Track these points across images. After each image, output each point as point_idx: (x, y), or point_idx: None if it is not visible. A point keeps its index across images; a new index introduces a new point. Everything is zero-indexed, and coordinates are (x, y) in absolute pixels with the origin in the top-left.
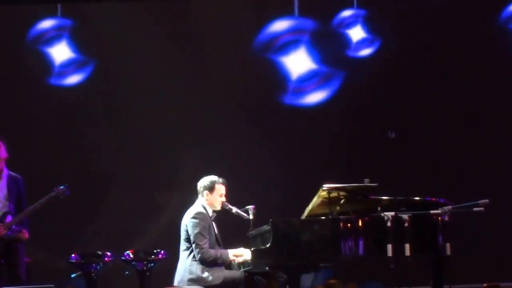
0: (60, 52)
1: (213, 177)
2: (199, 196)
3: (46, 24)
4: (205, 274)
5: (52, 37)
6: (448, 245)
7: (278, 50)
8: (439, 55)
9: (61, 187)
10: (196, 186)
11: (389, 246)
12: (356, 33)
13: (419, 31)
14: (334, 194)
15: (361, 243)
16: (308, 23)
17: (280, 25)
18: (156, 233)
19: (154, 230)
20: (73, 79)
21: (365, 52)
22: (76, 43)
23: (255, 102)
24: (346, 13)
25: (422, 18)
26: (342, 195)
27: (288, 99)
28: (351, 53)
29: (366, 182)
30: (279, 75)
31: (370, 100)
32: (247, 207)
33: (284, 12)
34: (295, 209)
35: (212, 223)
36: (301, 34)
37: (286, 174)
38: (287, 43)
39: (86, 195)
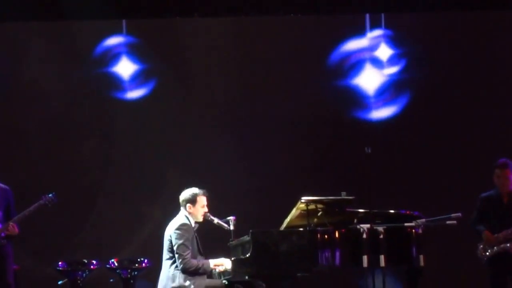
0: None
1: (194, 190)
2: (182, 208)
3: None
4: (187, 283)
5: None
6: (421, 256)
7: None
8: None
9: (49, 195)
10: (178, 198)
11: (365, 257)
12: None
13: None
14: (312, 207)
15: (337, 254)
16: None
17: None
18: (140, 242)
19: (139, 239)
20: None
21: None
22: None
23: (233, 116)
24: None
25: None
26: (319, 208)
27: (266, 112)
28: None
29: (343, 195)
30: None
31: (347, 114)
32: (228, 218)
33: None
34: (274, 220)
35: (195, 234)
36: None
37: (266, 187)
38: None
39: (73, 205)
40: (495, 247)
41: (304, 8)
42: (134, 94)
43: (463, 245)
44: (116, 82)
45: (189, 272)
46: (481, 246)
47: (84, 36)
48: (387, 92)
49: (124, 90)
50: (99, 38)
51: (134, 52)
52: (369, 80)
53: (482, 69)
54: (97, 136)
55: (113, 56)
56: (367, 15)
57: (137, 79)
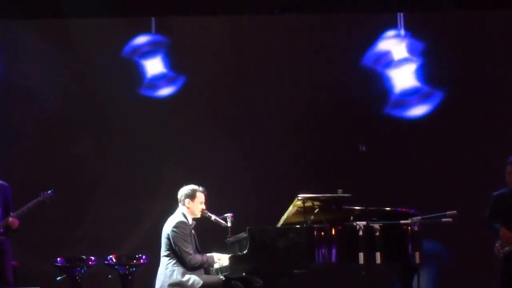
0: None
1: (194, 186)
2: (180, 204)
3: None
4: (185, 279)
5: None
6: (417, 253)
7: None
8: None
9: (48, 192)
10: (176, 194)
11: (361, 254)
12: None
13: None
14: (308, 204)
15: (334, 251)
16: None
17: None
18: (138, 239)
19: (137, 236)
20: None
21: None
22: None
23: (232, 113)
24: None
25: None
26: (316, 205)
27: (265, 110)
28: None
29: (340, 193)
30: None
31: (341, 113)
32: (226, 215)
33: None
34: (271, 217)
35: (192, 231)
36: None
37: (263, 184)
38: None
39: (72, 201)
40: None
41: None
42: (132, 92)
43: (459, 243)
44: (114, 80)
45: (194, 268)
46: (498, 243)
47: (82, 33)
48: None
49: (123, 88)
50: (92, 37)
51: (127, 52)
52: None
53: (482, 69)
54: (95, 132)
55: (109, 55)
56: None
57: (133, 77)
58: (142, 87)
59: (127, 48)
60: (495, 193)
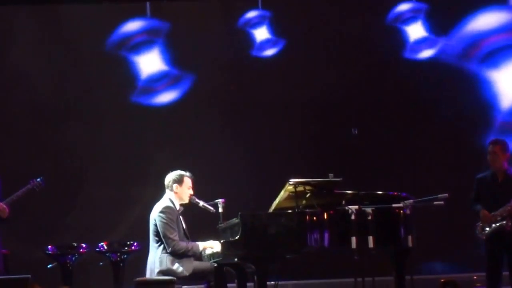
0: None
1: (181, 171)
2: (167, 190)
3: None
4: (175, 266)
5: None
6: (409, 237)
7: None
8: None
9: (37, 180)
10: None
11: (353, 239)
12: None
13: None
14: (300, 188)
15: (326, 236)
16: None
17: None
18: (129, 225)
19: (128, 222)
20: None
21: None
22: None
23: (221, 99)
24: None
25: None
26: (308, 189)
27: (255, 95)
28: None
29: (331, 177)
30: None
31: (333, 98)
32: (217, 200)
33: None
34: (263, 202)
35: (180, 217)
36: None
37: (255, 169)
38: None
39: (62, 188)
40: (492, 225)
41: None
42: (121, 77)
43: (451, 225)
44: (105, 67)
45: (178, 254)
46: (479, 225)
47: (72, 19)
48: None
49: (113, 74)
50: (83, 22)
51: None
52: None
53: None
54: (85, 119)
55: (102, 41)
56: None
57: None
58: (129, 72)
59: (114, 36)
60: (478, 175)
